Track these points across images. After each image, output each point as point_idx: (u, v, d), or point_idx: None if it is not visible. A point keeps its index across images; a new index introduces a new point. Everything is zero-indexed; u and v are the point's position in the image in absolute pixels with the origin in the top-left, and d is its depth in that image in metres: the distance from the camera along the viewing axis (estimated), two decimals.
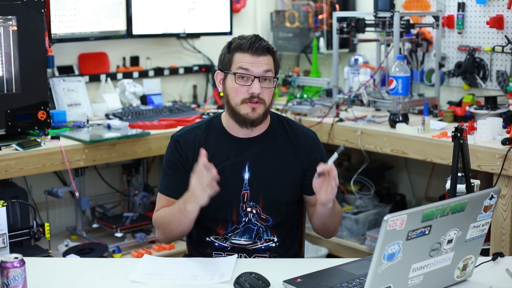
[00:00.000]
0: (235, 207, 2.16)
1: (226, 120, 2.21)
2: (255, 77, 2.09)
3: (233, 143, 2.20)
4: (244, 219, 2.17)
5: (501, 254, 1.99)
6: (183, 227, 2.11)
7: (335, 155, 2.02)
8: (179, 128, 3.22)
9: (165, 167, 2.23)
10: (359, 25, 3.65)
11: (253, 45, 2.10)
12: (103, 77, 3.95)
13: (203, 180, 1.96)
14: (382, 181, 4.22)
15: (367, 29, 3.65)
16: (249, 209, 2.17)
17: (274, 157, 2.20)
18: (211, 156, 2.17)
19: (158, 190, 2.24)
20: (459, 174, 2.17)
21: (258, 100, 2.10)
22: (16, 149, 2.99)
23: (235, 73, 2.11)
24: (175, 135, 2.24)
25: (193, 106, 4.09)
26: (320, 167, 1.97)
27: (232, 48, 2.14)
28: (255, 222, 2.17)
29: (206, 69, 4.40)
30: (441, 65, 3.68)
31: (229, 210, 2.16)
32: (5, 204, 2.40)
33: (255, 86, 2.09)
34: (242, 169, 2.17)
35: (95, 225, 3.78)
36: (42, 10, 3.11)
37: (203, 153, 1.99)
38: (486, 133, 2.99)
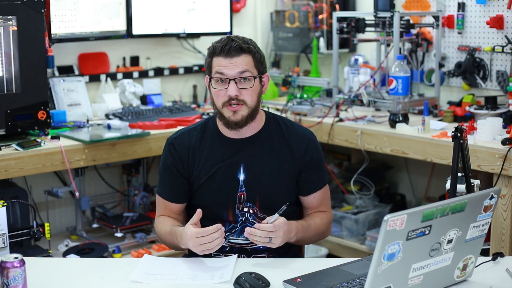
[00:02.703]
0: (231, 208, 2.17)
1: (219, 122, 2.22)
2: (230, 79, 2.10)
3: (227, 144, 2.20)
4: (241, 218, 2.17)
5: (501, 254, 1.99)
6: (177, 250, 2.21)
7: (275, 215, 2.01)
8: (178, 128, 3.22)
9: (161, 170, 2.26)
10: (359, 25, 3.64)
11: (225, 47, 2.10)
12: (103, 77, 3.95)
13: (202, 244, 1.97)
14: (382, 181, 4.21)
15: (367, 29, 3.65)
16: (246, 209, 2.17)
17: (269, 157, 2.19)
18: (205, 158, 2.18)
19: (156, 191, 2.28)
20: (459, 174, 2.17)
21: (238, 102, 2.11)
22: (16, 149, 2.99)
23: (212, 78, 2.13)
24: (170, 138, 2.26)
25: (193, 106, 4.09)
26: (248, 229, 1.99)
27: (209, 53, 2.16)
28: (253, 220, 2.17)
29: None
30: (441, 65, 3.68)
31: (225, 212, 2.17)
32: (5, 204, 2.39)
33: (231, 89, 2.10)
34: (237, 170, 2.17)
35: (95, 225, 3.78)
36: (42, 10, 3.11)
37: (199, 214, 2.03)
38: (486, 133, 2.99)
